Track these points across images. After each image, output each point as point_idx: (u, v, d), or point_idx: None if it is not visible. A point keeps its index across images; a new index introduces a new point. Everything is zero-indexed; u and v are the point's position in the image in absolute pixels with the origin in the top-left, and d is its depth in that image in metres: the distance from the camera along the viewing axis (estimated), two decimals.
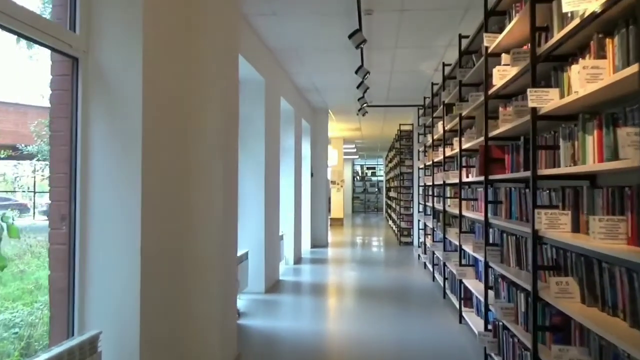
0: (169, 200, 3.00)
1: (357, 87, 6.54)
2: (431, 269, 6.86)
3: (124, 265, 2.57)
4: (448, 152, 5.64)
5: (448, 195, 5.77)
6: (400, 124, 10.85)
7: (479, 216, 3.95)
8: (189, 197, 3.26)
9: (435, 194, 6.73)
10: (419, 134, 8.66)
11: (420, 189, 8.65)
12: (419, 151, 8.63)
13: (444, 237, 5.64)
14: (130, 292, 2.57)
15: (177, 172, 3.13)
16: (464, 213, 4.61)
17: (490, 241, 3.59)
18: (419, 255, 8.58)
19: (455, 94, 5.02)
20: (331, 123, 12.49)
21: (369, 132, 14.39)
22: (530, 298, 2.56)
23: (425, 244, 7.61)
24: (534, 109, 2.54)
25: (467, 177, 4.73)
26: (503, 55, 3.42)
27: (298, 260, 8.40)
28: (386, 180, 19.77)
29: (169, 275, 2.97)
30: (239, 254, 5.28)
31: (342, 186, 16.66)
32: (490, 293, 3.55)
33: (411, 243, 10.69)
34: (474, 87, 4.51)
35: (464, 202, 4.75)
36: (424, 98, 7.93)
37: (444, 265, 5.69)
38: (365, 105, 7.80)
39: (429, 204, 7.30)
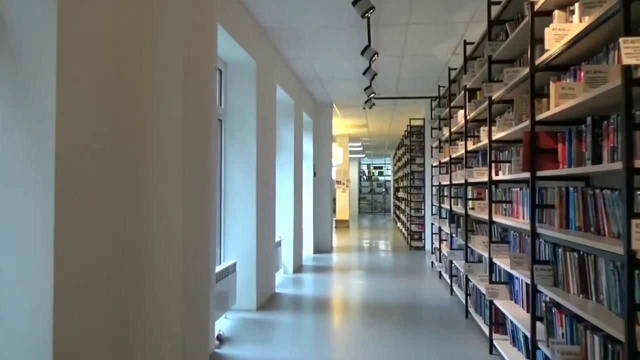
0: (102, 208, 2.20)
1: (364, 73, 5.73)
2: (448, 281, 6.02)
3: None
4: (471, 146, 4.80)
5: (470, 196, 4.93)
6: (410, 119, 10.02)
7: (517, 223, 3.12)
8: (136, 204, 2.45)
9: (453, 195, 5.89)
10: (432, 128, 7.83)
11: (434, 189, 7.81)
12: (432, 147, 7.80)
13: (466, 246, 4.81)
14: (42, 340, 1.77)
15: (117, 171, 2.33)
16: (495, 219, 3.77)
17: (537, 257, 2.76)
18: (432, 263, 7.74)
19: (481, 75, 4.18)
20: (336, 119, 11.68)
21: (376, 128, 13.55)
22: (622, 351, 1.73)
23: (440, 251, 6.77)
24: (627, 70, 1.71)
25: (498, 174, 3.89)
26: (556, 12, 2.59)
27: (299, 268, 7.59)
28: (394, 180, 18.91)
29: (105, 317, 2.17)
30: (224, 266, 4.48)
31: (347, 186, 15.83)
32: (540, 326, 2.71)
33: (422, 248, 9.85)
34: (507, 64, 3.67)
35: (493, 206, 3.91)
36: (439, 87, 7.09)
37: (466, 278, 4.86)
38: (372, 96, 6.98)
39: (445, 205, 6.47)
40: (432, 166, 7.78)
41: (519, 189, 3.42)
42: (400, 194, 14.16)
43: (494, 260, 3.68)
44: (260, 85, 5.16)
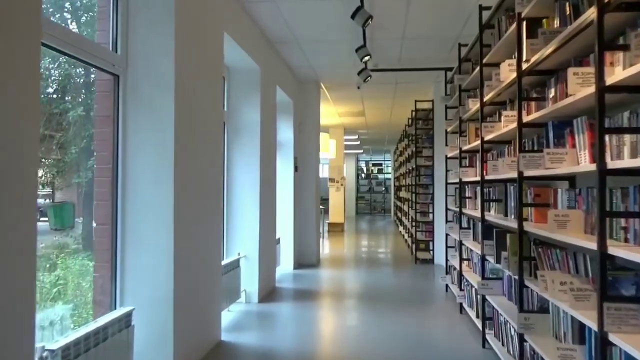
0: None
1: (353, 15, 3.81)
2: (477, 323, 4.11)
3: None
4: (527, 117, 2.88)
5: (523, 199, 3.02)
6: (415, 101, 8.09)
7: None
8: None
9: (487, 198, 3.98)
10: (446, 108, 5.91)
11: (450, 188, 5.89)
12: (446, 133, 5.89)
13: (521, 284, 2.89)
14: None
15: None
16: (590, 244, 1.86)
17: None
18: (447, 287, 5.83)
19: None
20: (326, 105, 9.76)
21: (374, 117, 11.62)
22: None
23: (461, 275, 4.86)
24: None
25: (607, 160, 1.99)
26: None
27: (268, 294, 5.67)
28: (395, 177, 17.00)
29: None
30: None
31: (342, 184, 13.91)
32: None
33: (431, 261, 7.93)
34: None
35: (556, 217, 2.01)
36: (459, 47, 5.14)
37: (520, 338, 2.93)
38: (367, 59, 5.06)
39: (470, 212, 4.55)
40: (446, 158, 5.88)
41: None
42: (403, 194, 12.24)
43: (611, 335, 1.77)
44: (181, 22, 3.22)
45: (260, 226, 5.28)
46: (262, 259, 5.38)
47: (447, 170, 5.88)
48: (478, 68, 3.97)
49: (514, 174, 2.99)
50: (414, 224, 8.77)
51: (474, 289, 4.45)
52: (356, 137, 15.25)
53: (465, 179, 4.77)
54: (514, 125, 3.00)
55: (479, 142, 4.03)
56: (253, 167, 5.23)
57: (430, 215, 8.11)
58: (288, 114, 7.32)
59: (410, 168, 9.48)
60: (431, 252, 8.03)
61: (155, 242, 2.99)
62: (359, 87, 7.93)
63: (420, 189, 8.36)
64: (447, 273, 5.85)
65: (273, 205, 6.02)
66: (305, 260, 7.74)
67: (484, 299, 3.86)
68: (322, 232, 12.32)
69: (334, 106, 10.09)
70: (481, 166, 3.88)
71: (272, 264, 5.97)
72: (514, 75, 2.97)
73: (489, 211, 3.99)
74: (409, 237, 10.03)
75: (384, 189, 22.99)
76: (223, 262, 4.42)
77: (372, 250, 10.00)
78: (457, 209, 5.08)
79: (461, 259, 4.88)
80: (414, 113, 8.87)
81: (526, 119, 2.86)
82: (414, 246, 8.73)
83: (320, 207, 12.50)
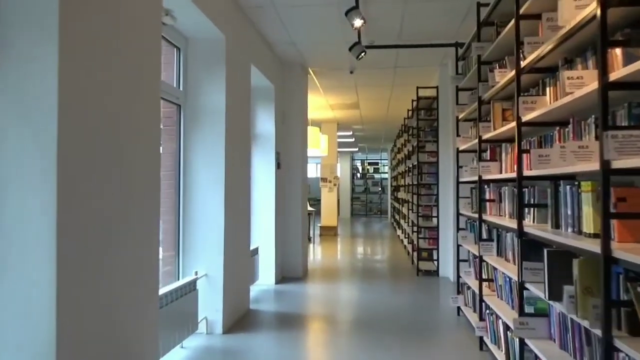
0: None
1: None
2: None
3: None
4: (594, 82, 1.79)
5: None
6: (417, 88, 7.01)
7: None
8: None
9: (529, 202, 2.89)
10: (457, 91, 4.81)
11: (462, 188, 4.81)
12: (457, 121, 4.79)
13: (609, 346, 1.79)
14: None
15: None
16: None
17: None
18: (459, 310, 4.74)
19: None
20: (317, 97, 8.67)
21: (370, 109, 10.54)
22: None
23: (481, 300, 3.77)
24: None
25: None
26: None
27: (238, 319, 4.58)
28: (392, 177, 15.94)
29: None
30: None
31: (335, 185, 12.81)
32: None
33: (436, 273, 6.85)
34: None
35: None
36: (477, 7, 4.02)
37: None
38: (360, 26, 3.97)
39: (493, 219, 3.46)
40: (457, 151, 4.79)
41: None
42: (401, 195, 11.16)
43: None
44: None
45: (227, 236, 4.18)
46: (229, 277, 4.28)
47: (458, 167, 4.80)
48: (512, 22, 2.87)
49: (590, 166, 1.91)
50: (414, 229, 7.70)
51: (500, 321, 3.38)
52: (350, 133, 14.16)
53: (486, 177, 3.68)
54: (588, 89, 1.92)
55: (511, 125, 2.95)
56: (216, 163, 4.12)
57: (434, 219, 7.03)
58: (268, 101, 6.22)
59: (411, 166, 8.39)
60: (435, 262, 6.95)
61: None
62: (351, 72, 6.88)
63: (423, 189, 7.28)
64: (458, 292, 4.76)
65: (246, 209, 4.92)
66: (290, 272, 6.64)
67: (522, 344, 2.78)
68: (313, 236, 11.25)
69: (324, 97, 9.00)
70: (518, 158, 2.78)
71: (244, 281, 4.86)
72: (591, 10, 1.88)
73: (530, 217, 2.92)
74: (408, 243, 8.95)
75: (380, 189, 21.93)
76: (168, 288, 3.32)
77: (367, 258, 8.91)
78: (475, 215, 3.99)
79: (481, 279, 3.79)
80: (414, 103, 7.79)
81: (615, 77, 1.77)
82: (414, 254, 7.65)
83: (312, 209, 11.44)
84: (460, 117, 4.70)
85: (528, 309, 2.82)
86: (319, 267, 7.78)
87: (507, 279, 3.35)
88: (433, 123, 7.19)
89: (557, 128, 2.52)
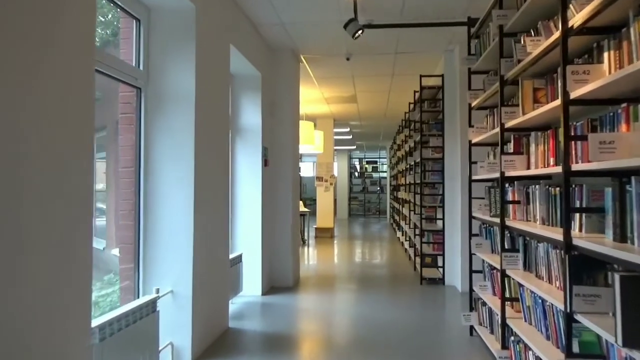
0: None
1: None
2: None
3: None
4: None
5: None
6: (421, 76, 6.33)
7: None
8: None
9: (579, 206, 2.22)
10: (470, 74, 4.13)
11: (474, 187, 4.14)
12: (469, 110, 4.12)
13: None
14: None
15: None
16: None
17: None
18: (472, 329, 4.07)
19: None
20: (311, 89, 8.00)
21: (368, 103, 9.86)
22: None
23: (504, 323, 3.10)
24: None
25: None
26: None
27: (213, 343, 3.90)
28: (391, 176, 15.27)
29: None
30: None
31: (332, 184, 12.13)
32: None
33: (441, 281, 6.18)
34: None
35: None
36: None
37: None
38: None
39: (522, 225, 2.78)
40: (469, 145, 4.12)
41: None
42: (401, 194, 10.49)
43: None
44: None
45: (197, 243, 3.50)
46: (201, 293, 3.61)
47: (470, 163, 4.13)
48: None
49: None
50: (417, 232, 7.03)
51: (531, 353, 2.71)
52: (348, 129, 13.48)
53: (510, 173, 3.01)
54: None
55: (552, 105, 2.28)
56: (184, 157, 3.44)
57: (440, 222, 6.37)
58: (254, 90, 5.54)
59: (413, 163, 7.72)
60: (440, 269, 6.28)
61: None
62: (348, 59, 6.22)
63: (427, 189, 6.61)
64: (472, 309, 4.09)
65: (224, 212, 4.24)
66: (279, 281, 5.96)
67: None
68: (308, 239, 10.58)
69: (319, 89, 8.32)
70: (565, 147, 2.11)
71: (221, 295, 4.18)
72: None
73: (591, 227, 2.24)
74: (410, 246, 8.28)
75: (378, 188, 21.26)
76: (112, 314, 2.64)
77: (366, 263, 8.23)
78: (493, 219, 3.32)
79: (503, 298, 3.12)
80: (417, 95, 7.12)
81: None
82: (417, 259, 6.99)
83: (306, 210, 10.76)
84: (473, 104, 4.03)
85: (577, 346, 2.14)
86: (312, 273, 7.10)
87: (539, 300, 2.68)
88: (438, 115, 6.52)
89: (624, 105, 1.84)
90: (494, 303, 3.39)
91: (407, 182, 8.84)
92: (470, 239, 3.93)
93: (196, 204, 3.46)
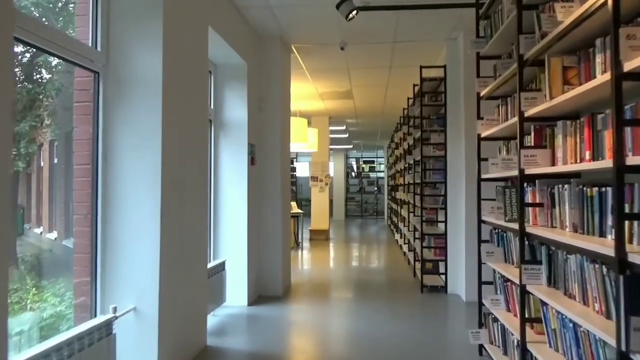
0: None
1: None
2: None
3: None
4: None
5: None
6: (421, 67, 5.86)
7: None
8: None
9: (631, 211, 1.74)
10: (479, 59, 3.65)
11: (484, 187, 3.65)
12: (478, 99, 3.64)
13: None
14: None
15: None
16: None
17: None
18: (481, 348, 3.59)
19: None
20: (304, 83, 7.54)
21: (365, 99, 9.39)
22: None
23: (524, 349, 2.62)
24: None
25: None
26: None
27: None
28: (389, 175, 14.81)
29: None
30: None
31: (327, 184, 11.66)
32: None
33: (443, 289, 5.70)
34: None
35: None
36: None
37: None
38: None
39: (547, 232, 2.31)
40: (478, 139, 3.64)
41: None
42: (400, 195, 10.02)
43: None
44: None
45: (166, 252, 3.02)
46: (170, 309, 3.13)
47: (479, 159, 3.66)
48: None
49: None
50: (416, 235, 6.56)
51: None
52: (344, 128, 13.01)
53: (532, 171, 2.54)
54: None
55: (599, 82, 1.80)
56: (150, 152, 2.96)
57: (441, 225, 5.90)
58: (239, 81, 5.06)
59: (412, 162, 7.24)
60: (443, 276, 5.80)
61: None
62: (342, 48, 5.75)
63: (428, 189, 6.13)
64: (481, 326, 3.61)
65: (201, 215, 3.75)
66: (268, 289, 5.48)
67: None
68: (301, 241, 10.10)
69: (312, 83, 7.85)
70: (617, 136, 1.63)
71: (197, 310, 3.70)
72: None
73: (607, 236, 1.78)
74: (409, 250, 7.81)
75: (376, 189, 20.79)
76: (63, 336, 2.15)
77: (362, 268, 7.76)
78: (509, 225, 2.85)
79: (523, 318, 2.64)
80: (416, 88, 6.65)
81: None
82: (417, 265, 6.52)
83: (299, 211, 10.29)
84: (482, 93, 3.55)
85: None
86: (305, 280, 6.63)
87: (570, 324, 2.21)
88: (439, 110, 6.05)
89: None
90: (509, 321, 2.92)
91: (406, 182, 8.36)
92: (479, 245, 3.46)
93: (164, 207, 2.97)
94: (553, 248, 2.45)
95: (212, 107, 4.97)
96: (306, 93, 8.59)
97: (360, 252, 9.73)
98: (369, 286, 6.28)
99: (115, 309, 2.72)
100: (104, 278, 2.92)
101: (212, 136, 5.00)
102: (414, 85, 6.85)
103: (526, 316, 2.63)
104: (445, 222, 5.69)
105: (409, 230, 7.83)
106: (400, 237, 9.74)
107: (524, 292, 2.60)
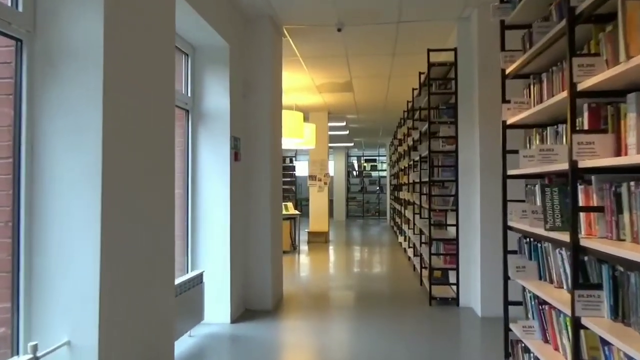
0: None
1: None
2: None
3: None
4: None
5: None
6: (429, 51, 5.19)
7: None
8: None
9: None
10: (503, 29, 2.99)
11: (511, 186, 2.99)
12: (503, 78, 2.99)
13: None
14: None
15: None
16: None
17: None
18: None
19: None
20: (299, 74, 6.90)
21: (366, 91, 8.73)
22: None
23: None
24: None
25: None
26: None
27: None
28: (391, 174, 14.14)
29: None
30: None
31: (326, 183, 11.00)
32: None
33: (454, 301, 5.04)
34: None
35: None
36: None
37: None
38: None
39: (606, 246, 1.64)
40: (503, 127, 2.99)
41: None
42: (403, 194, 9.35)
43: None
44: None
45: (105, 270, 2.36)
46: (119, 341, 2.48)
47: (505, 152, 3.00)
48: None
49: None
50: (423, 239, 5.91)
51: None
52: (344, 124, 12.35)
53: (588, 163, 1.89)
54: None
55: None
56: (87, 141, 2.31)
57: (452, 228, 5.24)
58: (220, 65, 4.41)
59: (417, 158, 6.57)
60: (454, 287, 5.15)
61: None
62: (339, 30, 5.14)
63: (435, 188, 5.47)
64: (508, 356, 2.95)
65: (165, 220, 3.10)
66: (255, 303, 4.83)
67: None
68: (298, 244, 9.45)
69: (308, 73, 7.19)
70: None
71: (160, 337, 3.05)
72: None
73: None
74: (414, 255, 7.14)
75: (378, 188, 20.14)
76: None
77: (364, 276, 7.11)
78: (555, 236, 2.19)
79: (575, 352, 1.98)
80: (423, 76, 6.00)
81: None
82: (423, 272, 5.86)
83: (297, 212, 9.64)
84: (509, 70, 2.89)
85: None
86: (300, 289, 5.98)
87: None
88: (449, 99, 5.39)
89: None
90: (544, 354, 2.26)
91: (411, 181, 7.70)
92: (505, 257, 2.81)
93: (106, 212, 2.32)
94: (621, 269, 1.79)
95: (189, 95, 4.32)
96: (302, 85, 7.94)
97: (361, 256, 9.07)
98: (371, 297, 5.62)
99: (36, 347, 2.07)
100: (29, 303, 2.28)
101: (190, 129, 4.35)
102: (420, 73, 6.19)
103: (582, 358, 1.97)
104: (457, 225, 5.02)
105: (414, 233, 7.17)
106: (405, 240, 9.07)
107: (578, 327, 1.94)
